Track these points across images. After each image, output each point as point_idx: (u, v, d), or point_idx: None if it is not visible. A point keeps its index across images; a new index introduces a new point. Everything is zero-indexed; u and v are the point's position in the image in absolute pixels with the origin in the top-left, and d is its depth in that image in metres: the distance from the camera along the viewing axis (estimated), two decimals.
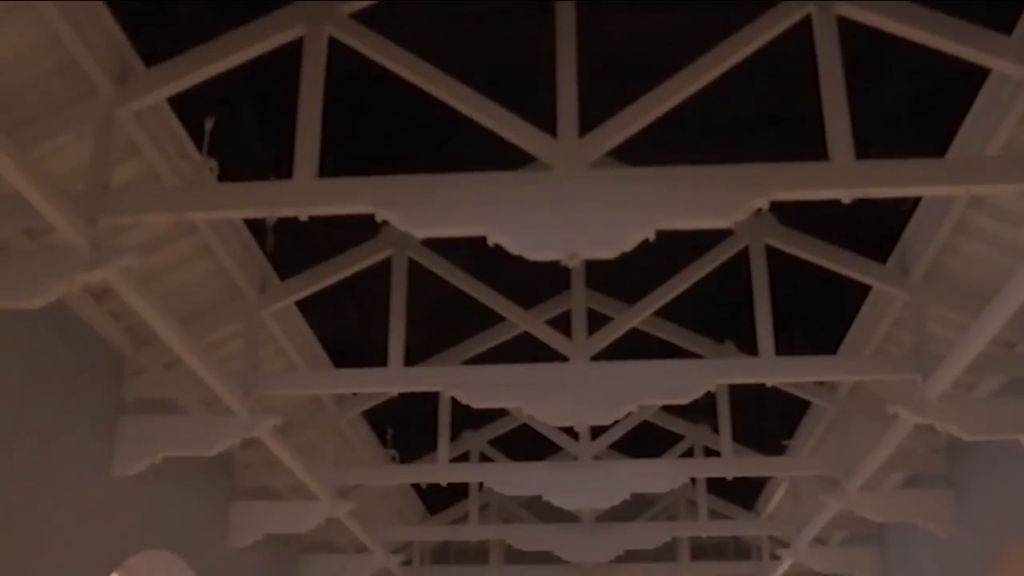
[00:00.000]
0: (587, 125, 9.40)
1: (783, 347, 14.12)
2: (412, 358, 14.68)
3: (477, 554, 25.50)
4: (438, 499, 23.56)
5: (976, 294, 12.42)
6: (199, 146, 11.11)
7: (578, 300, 15.32)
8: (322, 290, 14.42)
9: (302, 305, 15.01)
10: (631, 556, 21.99)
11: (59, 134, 9.81)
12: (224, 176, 10.92)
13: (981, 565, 16.45)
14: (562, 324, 15.16)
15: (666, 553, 24.11)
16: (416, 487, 22.92)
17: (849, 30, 9.70)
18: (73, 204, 8.94)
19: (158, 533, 15.10)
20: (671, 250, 10.93)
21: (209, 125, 11.06)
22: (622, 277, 14.91)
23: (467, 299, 15.10)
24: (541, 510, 22.85)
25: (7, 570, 11.11)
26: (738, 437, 18.52)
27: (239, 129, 12.19)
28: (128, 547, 14.35)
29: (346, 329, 16.81)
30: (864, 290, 14.54)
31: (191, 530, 16.18)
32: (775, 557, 23.44)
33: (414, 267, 14.79)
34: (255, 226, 13.28)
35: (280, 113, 10.51)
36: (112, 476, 13.39)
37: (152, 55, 10.04)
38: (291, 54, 10.04)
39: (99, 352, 13.10)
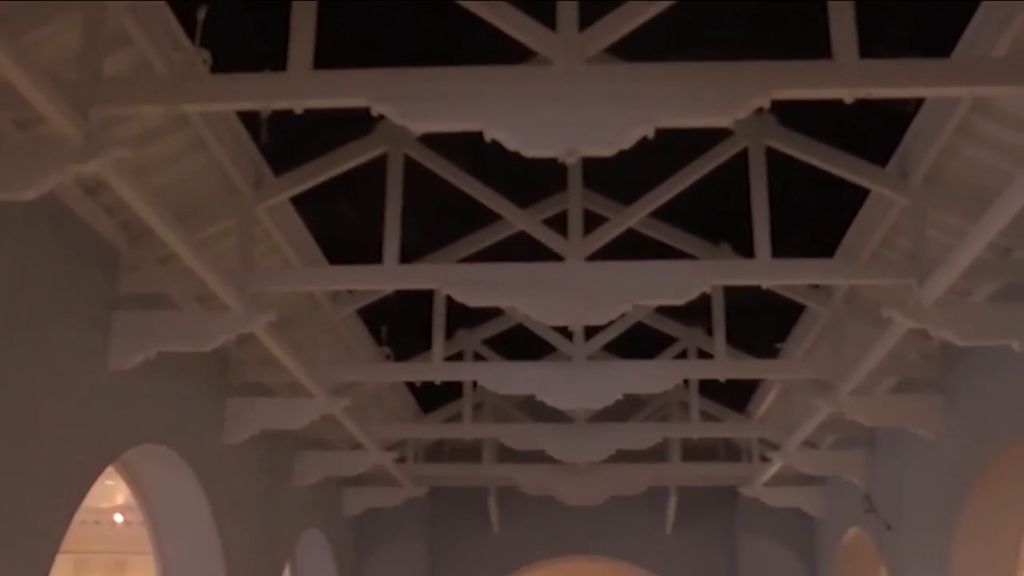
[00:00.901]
0: (587, 22, 9.29)
1: (779, 250, 14.06)
2: (408, 256, 14.64)
3: (470, 453, 25.79)
4: (432, 398, 23.73)
5: (975, 199, 12.32)
6: (191, 36, 10.88)
7: (575, 199, 15.22)
8: (317, 186, 14.29)
9: (297, 201, 14.91)
10: (622, 456, 22.23)
11: (48, 23, 9.60)
12: (217, 68, 10.69)
13: (970, 469, 16.66)
14: (558, 224, 15.09)
15: (657, 454, 24.40)
16: (410, 385, 23.09)
17: None
18: (64, 94, 8.79)
19: (154, 428, 15.22)
20: (669, 150, 10.83)
21: (202, 15, 10.81)
22: (619, 177, 14.80)
23: (463, 197, 15.00)
24: (534, 410, 23.06)
25: (3, 464, 11.22)
26: (732, 340, 18.61)
27: (233, 19, 11.96)
28: (124, 441, 14.48)
29: (341, 226, 16.74)
30: (863, 194, 14.44)
31: (187, 425, 16.31)
32: (765, 459, 23.77)
33: (410, 164, 14.66)
34: (249, 120, 13.10)
35: (274, 3, 10.30)
36: (107, 370, 13.44)
37: None
38: None
39: (93, 246, 13.03)
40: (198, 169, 13.30)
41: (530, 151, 8.57)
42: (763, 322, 19.42)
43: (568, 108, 8.56)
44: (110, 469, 15.39)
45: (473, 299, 13.63)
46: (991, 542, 17.19)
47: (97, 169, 9.39)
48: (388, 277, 14.61)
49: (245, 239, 13.85)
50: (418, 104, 8.62)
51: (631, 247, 15.13)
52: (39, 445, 11.92)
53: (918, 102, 12.26)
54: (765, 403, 22.07)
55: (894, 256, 14.80)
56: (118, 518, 28.96)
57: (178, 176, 13.17)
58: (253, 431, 17.71)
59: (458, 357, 20.99)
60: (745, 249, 14.70)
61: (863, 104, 9.19)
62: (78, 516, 14.59)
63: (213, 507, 17.24)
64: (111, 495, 26.34)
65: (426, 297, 17.93)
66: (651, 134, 8.53)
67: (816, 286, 16.97)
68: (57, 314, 12.31)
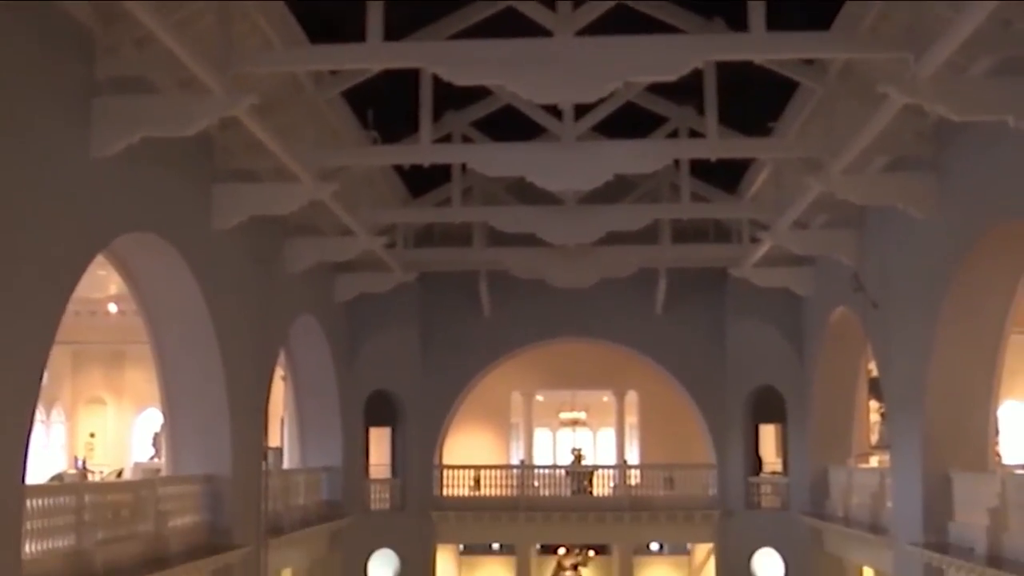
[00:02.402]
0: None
1: (774, 23, 13.70)
2: (392, 35, 14.21)
3: (460, 237, 25.82)
4: (421, 182, 23.59)
5: None
6: None
7: None
8: None
9: None
10: (613, 238, 22.28)
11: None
12: None
13: (958, 248, 16.69)
14: None
15: (648, 236, 24.40)
16: (399, 170, 22.88)
17: None
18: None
19: (141, 216, 15.08)
20: None
21: None
22: None
23: None
24: (524, 193, 22.92)
25: None
26: (723, 119, 18.33)
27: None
28: (111, 230, 14.37)
29: (323, 4, 16.12)
30: None
31: (175, 213, 16.17)
32: (755, 240, 23.85)
33: None
34: None
35: None
36: (90, 159, 13.19)
37: None
38: None
39: (65, 29, 12.55)
40: None
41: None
42: (756, 101, 19.09)
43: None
44: (101, 259, 15.38)
45: (460, 77, 13.35)
46: (976, 320, 17.41)
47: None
48: (372, 56, 14.26)
49: (224, 19, 13.39)
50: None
51: (622, 21, 14.73)
52: (27, 236, 11.81)
53: None
54: (756, 184, 21.95)
55: (892, 30, 14.37)
56: (112, 308, 29.19)
57: None
58: (241, 217, 17.60)
59: (446, 140, 20.74)
60: (739, 24, 14.33)
61: None
62: (73, 307, 14.66)
63: (206, 294, 17.32)
64: (104, 285, 26.42)
65: (412, 78, 17.53)
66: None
67: (810, 62, 16.59)
68: (35, 104, 11.98)
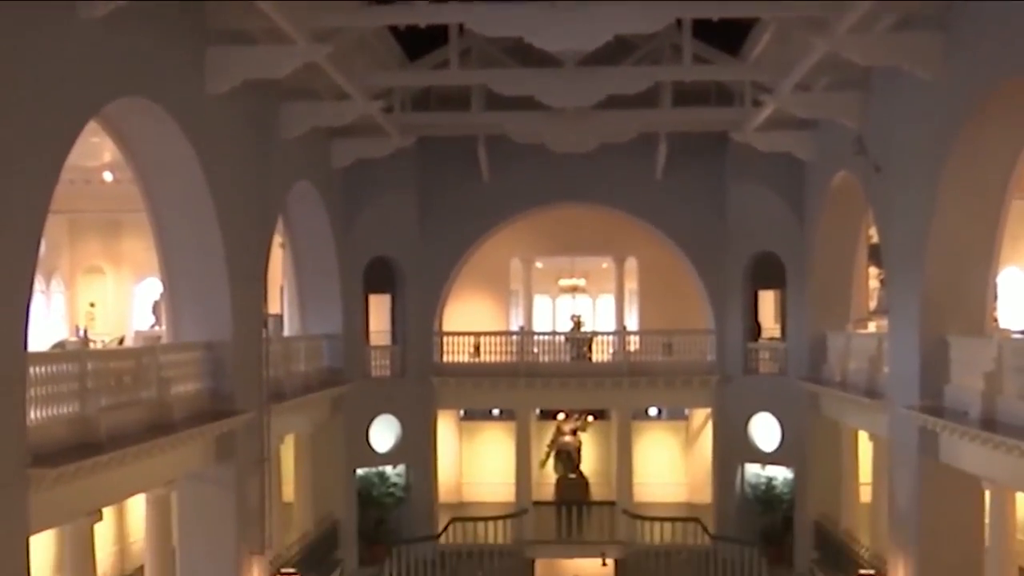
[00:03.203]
0: None
1: None
2: None
3: (458, 101, 25.42)
4: (418, 44, 23.10)
5: None
6: None
7: None
8: None
9: None
10: (613, 102, 21.89)
11: None
12: None
13: (963, 109, 16.40)
14: None
15: (648, 100, 24.08)
16: (395, 32, 22.37)
17: None
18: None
19: (133, 79, 14.74)
20: None
21: None
22: None
23: None
24: (523, 55, 22.48)
25: None
26: None
27: None
28: (103, 94, 14.04)
29: None
30: None
31: (167, 77, 15.82)
32: (757, 103, 23.49)
33: None
34: None
35: None
36: (78, 20, 12.82)
37: None
38: None
39: None
40: None
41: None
42: None
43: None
44: (94, 126, 15.13)
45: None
46: (978, 185, 17.23)
47: None
48: None
49: None
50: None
51: None
52: (16, 103, 11.54)
53: None
54: (759, 45, 21.46)
55: None
56: (108, 176, 28.89)
57: None
58: (235, 81, 17.26)
59: None
60: None
61: None
62: (67, 175, 14.45)
63: (201, 160, 17.09)
64: (98, 153, 26.08)
65: None
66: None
67: None
68: None
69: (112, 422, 14.03)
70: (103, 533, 19.23)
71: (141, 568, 17.68)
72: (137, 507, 20.08)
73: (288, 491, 25.27)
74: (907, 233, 18.86)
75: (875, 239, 24.41)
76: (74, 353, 14.68)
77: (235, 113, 18.57)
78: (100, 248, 32.62)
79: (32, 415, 12.11)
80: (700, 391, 29.63)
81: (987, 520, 16.78)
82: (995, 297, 19.87)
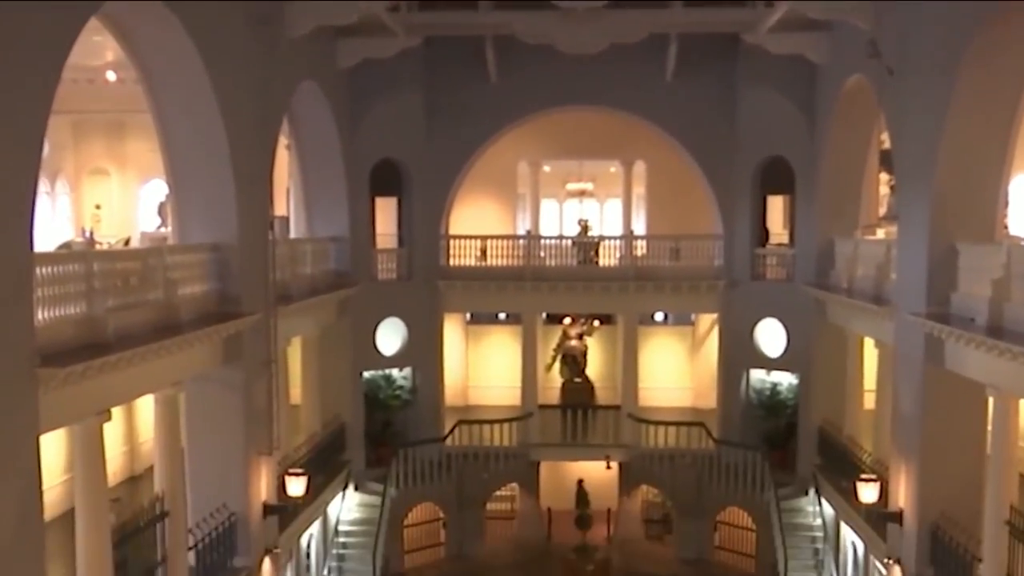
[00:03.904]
0: None
1: None
2: None
3: None
4: None
5: None
6: None
7: None
8: None
9: None
10: (624, 1, 21.55)
11: None
12: None
13: (981, 11, 16.03)
14: None
15: None
16: None
17: None
18: None
19: None
20: None
21: None
22: None
23: None
24: None
25: None
26: None
27: None
28: None
29: None
30: None
31: None
32: (770, 3, 23.10)
33: None
34: None
35: None
36: None
37: None
38: None
39: None
40: None
41: None
42: None
43: None
44: (96, 23, 14.87)
45: None
46: (992, 91, 16.94)
47: None
48: None
49: None
50: None
51: None
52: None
53: None
54: None
55: None
56: (111, 76, 28.61)
57: None
58: None
59: None
60: None
61: None
62: (70, 75, 14.23)
63: (205, 59, 16.83)
64: (100, 52, 25.79)
65: None
66: None
67: None
68: None
69: (119, 323, 14.06)
70: (113, 434, 19.44)
71: (151, 468, 17.87)
72: (146, 408, 20.26)
73: (295, 393, 25.51)
74: (919, 138, 18.64)
75: (886, 144, 24.16)
76: (80, 254, 14.61)
77: (239, 10, 18.28)
78: (104, 149, 32.46)
79: (40, 315, 12.12)
80: (707, 296, 29.64)
81: (989, 427, 16.86)
82: (1006, 204, 19.73)
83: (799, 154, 27.55)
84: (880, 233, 27.32)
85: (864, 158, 26.03)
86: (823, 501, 26.04)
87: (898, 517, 19.39)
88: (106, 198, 32.59)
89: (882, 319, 20.88)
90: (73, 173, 32.10)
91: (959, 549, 17.32)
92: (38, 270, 12.08)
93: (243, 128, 18.42)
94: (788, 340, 28.38)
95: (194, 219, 18.18)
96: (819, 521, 26.15)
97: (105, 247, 26.46)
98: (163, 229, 29.65)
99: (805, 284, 27.07)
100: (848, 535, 24.17)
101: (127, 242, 29.89)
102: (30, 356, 11.39)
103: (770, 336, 28.77)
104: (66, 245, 26.68)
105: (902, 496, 19.37)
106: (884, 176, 28.76)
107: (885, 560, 20.08)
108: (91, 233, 29.45)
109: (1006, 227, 22.29)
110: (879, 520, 20.41)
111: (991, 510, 15.98)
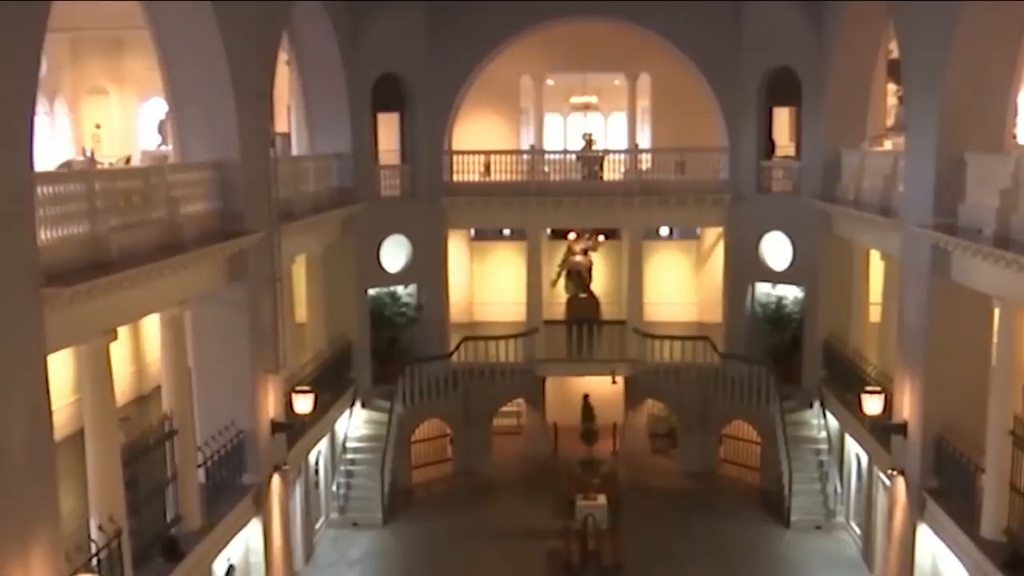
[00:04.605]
0: None
1: None
2: None
3: None
4: None
5: None
6: None
7: None
8: None
9: None
10: None
11: None
12: None
13: None
14: None
15: None
16: None
17: None
18: None
19: None
20: None
21: None
22: None
23: None
24: None
25: None
26: None
27: None
28: None
29: None
30: None
31: None
32: None
33: None
34: None
35: None
36: None
37: None
38: None
39: None
40: None
41: None
42: None
43: None
44: None
45: None
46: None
47: None
48: None
49: None
50: None
51: None
52: None
53: None
54: None
55: None
56: None
57: None
58: None
59: None
60: None
61: None
62: None
63: None
64: None
65: None
66: None
67: None
68: None
69: (123, 242, 14.00)
70: (120, 354, 19.50)
71: (159, 388, 17.96)
72: (153, 329, 20.31)
73: (301, 312, 25.54)
74: (928, 48, 18.36)
75: (895, 54, 23.83)
76: (82, 173, 14.50)
77: None
78: (103, 68, 32.11)
79: (42, 235, 12.05)
80: (712, 210, 29.53)
81: (995, 339, 16.86)
82: (1015, 114, 19.47)
83: (806, 64, 27.18)
84: (887, 144, 27.08)
85: (872, 68, 25.70)
86: (828, 414, 26.21)
87: (902, 429, 19.50)
88: (106, 117, 32.33)
89: (889, 231, 20.78)
90: (72, 93, 31.79)
91: (963, 459, 17.44)
92: (39, 189, 11.99)
93: (242, 43, 18.15)
94: (794, 253, 28.32)
95: (195, 137, 18.02)
96: (824, 434, 26.33)
97: (106, 167, 26.33)
98: (164, 147, 29.44)
99: (811, 197, 26.91)
100: (852, 447, 24.36)
101: (128, 161, 29.71)
102: (34, 276, 11.36)
103: (776, 250, 28.71)
104: (66, 164, 26.54)
105: (906, 408, 19.46)
106: (892, 86, 28.40)
107: (889, 471, 20.25)
108: (92, 153, 29.26)
109: (1015, 137, 22.00)
110: (883, 432, 20.54)
111: (995, 420, 16.06)
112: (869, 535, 22.75)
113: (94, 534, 13.32)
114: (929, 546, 18.47)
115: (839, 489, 25.21)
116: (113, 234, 13.75)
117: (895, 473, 19.86)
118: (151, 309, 15.78)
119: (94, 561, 12.84)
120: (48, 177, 13.01)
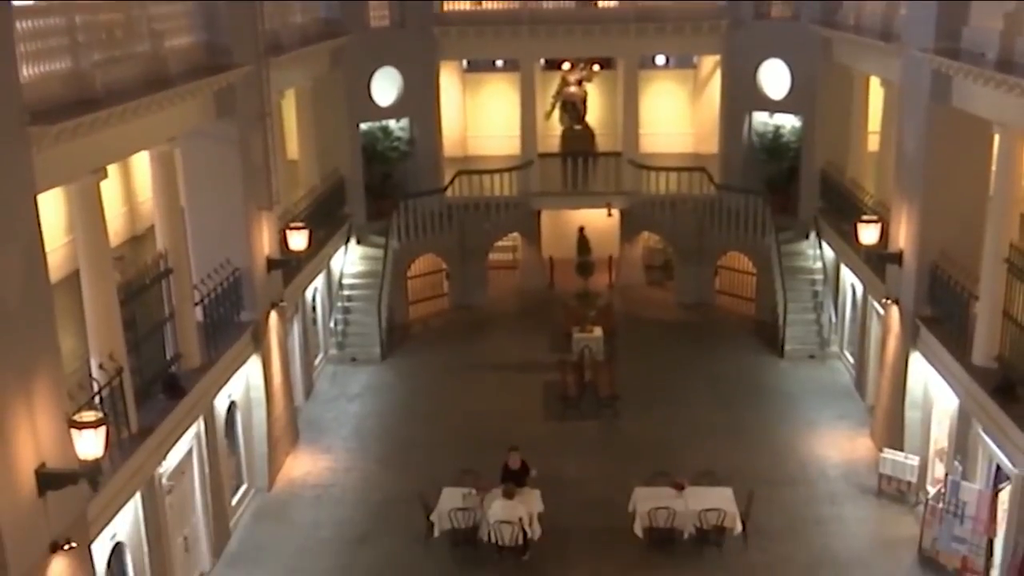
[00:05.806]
0: None
1: None
2: None
3: None
4: None
5: None
6: None
7: None
8: None
9: None
10: None
11: None
12: None
13: None
14: None
15: None
16: None
17: None
18: None
19: None
20: None
21: None
22: None
23: None
24: None
25: None
26: None
27: None
28: None
29: None
30: None
31: None
32: None
33: None
34: None
35: None
36: None
37: None
38: None
39: None
40: None
41: None
42: None
43: None
44: None
45: None
46: None
47: None
48: None
49: None
50: None
51: None
52: None
53: None
54: None
55: None
56: None
57: None
58: None
59: None
60: None
61: None
62: None
63: None
64: None
65: None
66: None
67: None
68: None
69: (108, 78, 13.66)
70: (111, 194, 19.27)
71: (152, 228, 17.84)
72: (144, 168, 20.04)
73: (292, 149, 25.25)
74: None
75: None
76: (60, 6, 14.00)
77: None
78: None
79: (24, 72, 11.73)
80: (709, 37, 28.92)
81: (993, 167, 16.71)
82: None
83: None
84: None
85: None
86: (824, 244, 26.24)
87: (898, 258, 19.53)
88: None
89: (889, 56, 20.38)
90: None
91: (957, 287, 17.51)
92: (18, 24, 11.61)
93: None
94: (792, 81, 27.86)
95: None
96: (819, 264, 26.43)
97: None
98: None
99: (811, 22, 26.29)
100: (848, 277, 24.47)
101: None
102: (19, 114, 11.09)
103: (774, 77, 28.23)
104: None
105: (902, 237, 19.44)
106: None
107: (883, 300, 20.38)
108: None
109: None
110: (879, 261, 20.59)
111: (990, 248, 16.06)
112: (862, 364, 23.06)
113: (95, 372, 13.43)
114: (921, 374, 18.73)
115: (833, 319, 25.43)
116: (97, 69, 13.40)
117: (889, 302, 19.99)
118: (140, 146, 15.54)
119: (96, 399, 12.97)
120: (26, 11, 12.59)
